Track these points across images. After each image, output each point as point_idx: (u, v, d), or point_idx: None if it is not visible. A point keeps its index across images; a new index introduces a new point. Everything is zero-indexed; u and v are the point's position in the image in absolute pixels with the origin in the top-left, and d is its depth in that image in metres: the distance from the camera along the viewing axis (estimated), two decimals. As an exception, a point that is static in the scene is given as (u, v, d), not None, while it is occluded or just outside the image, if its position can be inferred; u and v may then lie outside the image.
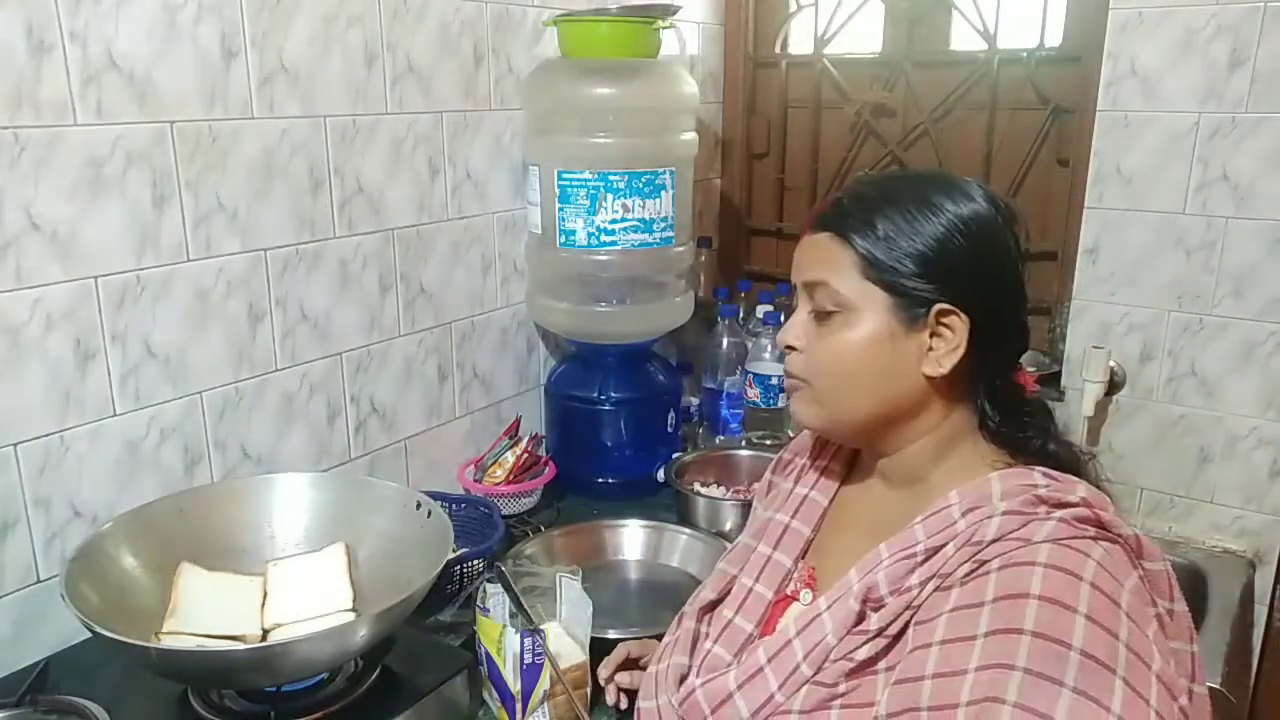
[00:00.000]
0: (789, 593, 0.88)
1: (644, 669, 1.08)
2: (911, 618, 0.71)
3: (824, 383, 0.81)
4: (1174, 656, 0.68)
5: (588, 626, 1.07)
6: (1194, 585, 1.61)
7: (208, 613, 1.01)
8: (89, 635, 0.87)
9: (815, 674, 0.75)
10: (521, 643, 1.02)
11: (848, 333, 0.79)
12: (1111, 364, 1.68)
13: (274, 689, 0.97)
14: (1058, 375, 1.77)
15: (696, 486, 1.57)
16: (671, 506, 1.57)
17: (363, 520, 1.13)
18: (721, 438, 1.79)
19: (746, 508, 1.45)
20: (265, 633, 1.02)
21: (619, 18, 1.56)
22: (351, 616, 1.02)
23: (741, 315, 1.93)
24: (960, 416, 0.82)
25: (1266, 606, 1.66)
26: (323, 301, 1.36)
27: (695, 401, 1.92)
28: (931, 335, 0.78)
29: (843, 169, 2.08)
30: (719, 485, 1.60)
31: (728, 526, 1.44)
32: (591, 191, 1.52)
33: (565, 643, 1.06)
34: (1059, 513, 0.70)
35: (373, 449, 1.48)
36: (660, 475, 1.62)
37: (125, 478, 1.16)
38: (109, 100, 1.08)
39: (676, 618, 0.97)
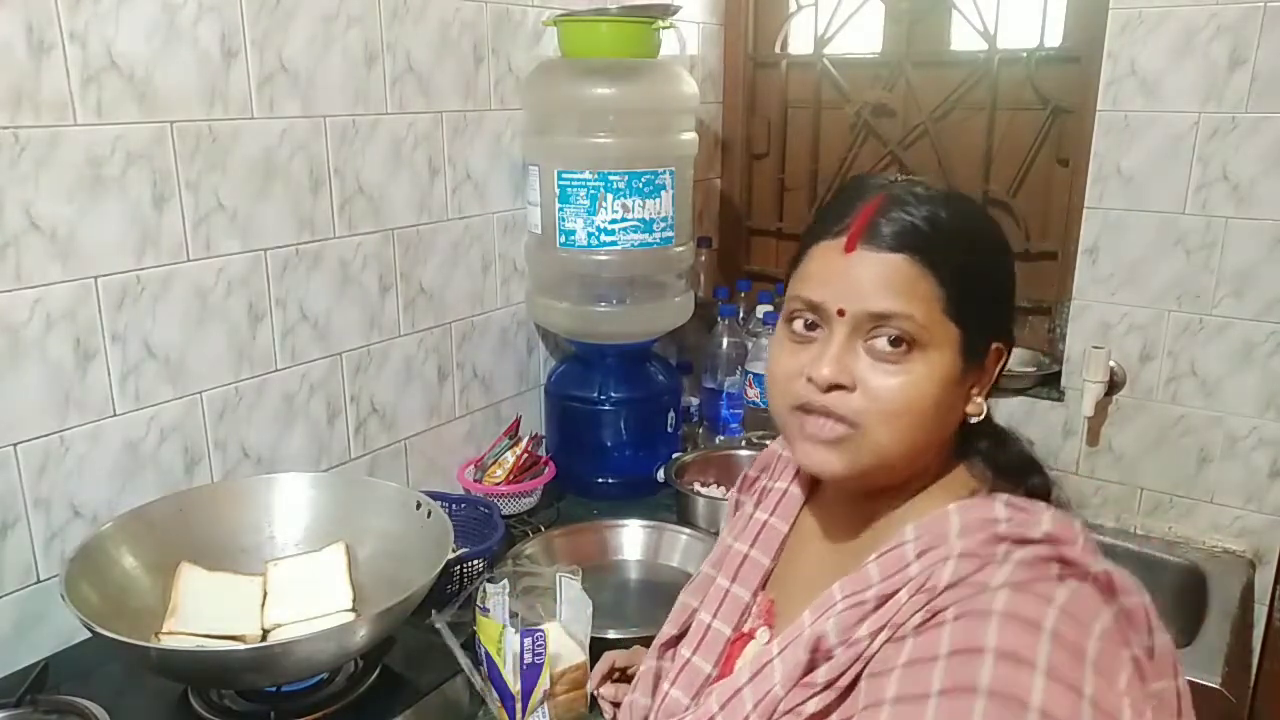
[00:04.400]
0: (746, 629, 0.82)
1: (631, 677, 1.07)
2: (863, 669, 0.66)
3: (885, 426, 0.70)
4: (1156, 699, 0.62)
5: (588, 626, 1.07)
6: (1194, 585, 1.61)
7: (208, 613, 1.01)
8: (89, 635, 0.87)
9: None
10: (521, 643, 1.02)
11: (922, 372, 0.69)
12: (1111, 364, 1.68)
13: (274, 689, 0.97)
14: (1058, 375, 1.77)
15: (696, 486, 1.57)
16: (671, 506, 1.57)
17: (363, 520, 1.14)
18: (721, 438, 1.79)
19: (746, 508, 1.45)
20: (265, 633, 1.02)
21: (619, 18, 1.56)
22: (351, 616, 1.02)
23: (741, 315, 1.93)
24: (949, 449, 0.76)
25: (1266, 606, 1.66)
26: (323, 301, 1.36)
27: (695, 401, 1.92)
28: (977, 372, 0.73)
29: (843, 169, 2.08)
30: (719, 485, 1.60)
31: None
32: (591, 191, 1.52)
33: (565, 643, 1.06)
34: (1019, 553, 0.64)
35: (373, 449, 1.48)
36: (660, 475, 1.62)
37: (125, 478, 1.16)
38: (109, 100, 1.08)
39: (653, 645, 0.92)
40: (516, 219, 1.67)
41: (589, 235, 1.54)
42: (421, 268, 1.51)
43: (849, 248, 0.70)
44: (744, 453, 1.64)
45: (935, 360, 0.70)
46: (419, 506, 1.10)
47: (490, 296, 1.65)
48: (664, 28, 1.59)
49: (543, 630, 1.03)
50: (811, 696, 0.67)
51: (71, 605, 0.88)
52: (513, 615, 1.06)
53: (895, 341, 0.69)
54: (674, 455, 1.65)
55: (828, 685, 0.67)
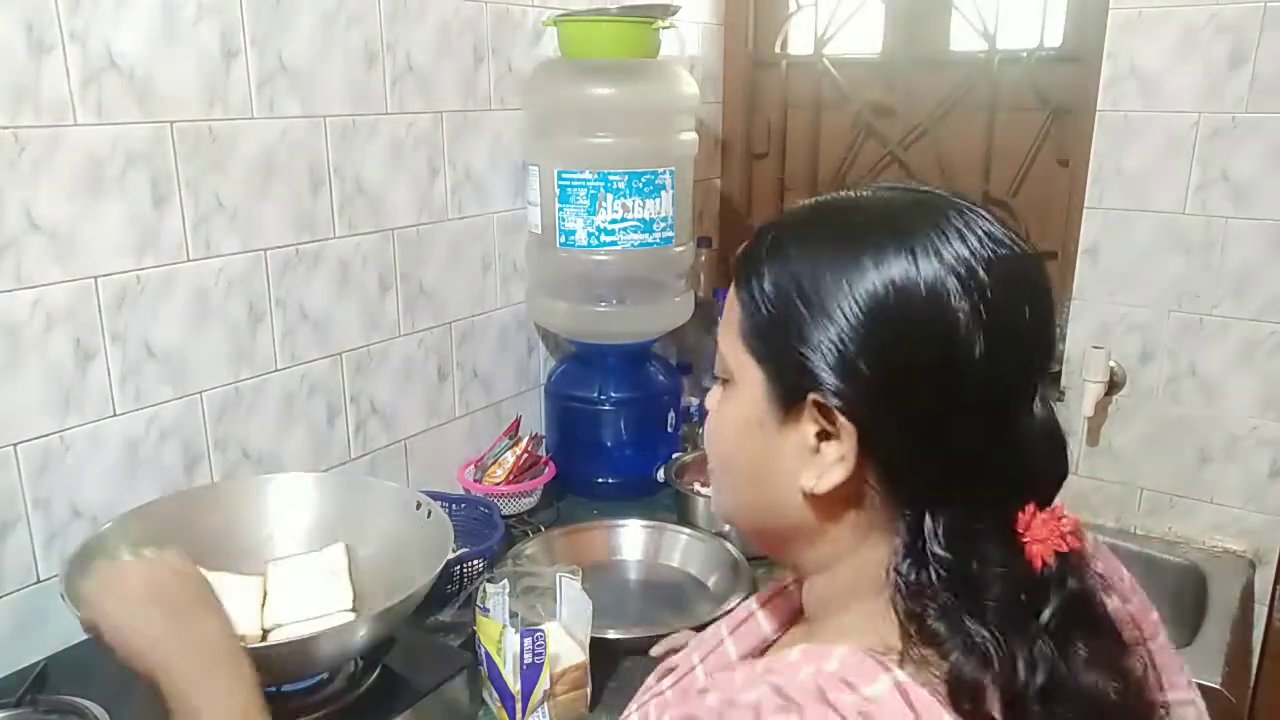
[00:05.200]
0: None
1: None
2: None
3: (711, 462, 0.66)
4: None
5: (588, 626, 1.07)
6: (1194, 585, 1.61)
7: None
8: (89, 635, 0.87)
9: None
10: (521, 643, 1.02)
11: (723, 407, 0.63)
12: (1111, 364, 1.68)
13: (274, 689, 0.97)
14: (1058, 375, 1.77)
15: (696, 486, 1.57)
16: (671, 506, 1.57)
17: (363, 520, 1.13)
18: (721, 438, 1.79)
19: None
20: (265, 633, 1.02)
21: (619, 18, 1.56)
22: (351, 616, 1.02)
23: (741, 315, 1.93)
24: (877, 555, 0.57)
25: (1266, 606, 1.66)
26: (323, 301, 1.36)
27: (695, 401, 1.92)
28: (819, 437, 0.57)
29: (843, 169, 2.08)
30: (719, 485, 1.59)
31: (727, 527, 1.44)
32: (591, 191, 1.52)
33: (565, 643, 1.06)
34: (745, 694, 0.51)
35: (373, 449, 1.48)
36: (660, 475, 1.62)
37: (125, 478, 1.16)
38: (109, 100, 1.08)
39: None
40: (516, 219, 1.67)
41: (589, 235, 1.54)
42: (421, 268, 1.51)
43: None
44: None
45: (736, 396, 0.61)
46: (419, 506, 1.10)
47: (490, 296, 1.65)
48: (664, 28, 1.59)
49: (543, 630, 1.03)
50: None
51: (71, 605, 0.88)
52: (513, 615, 1.06)
53: (718, 371, 0.64)
54: (674, 455, 1.66)
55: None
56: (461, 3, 1.49)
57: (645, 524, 1.46)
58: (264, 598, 1.05)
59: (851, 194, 0.62)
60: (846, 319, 0.54)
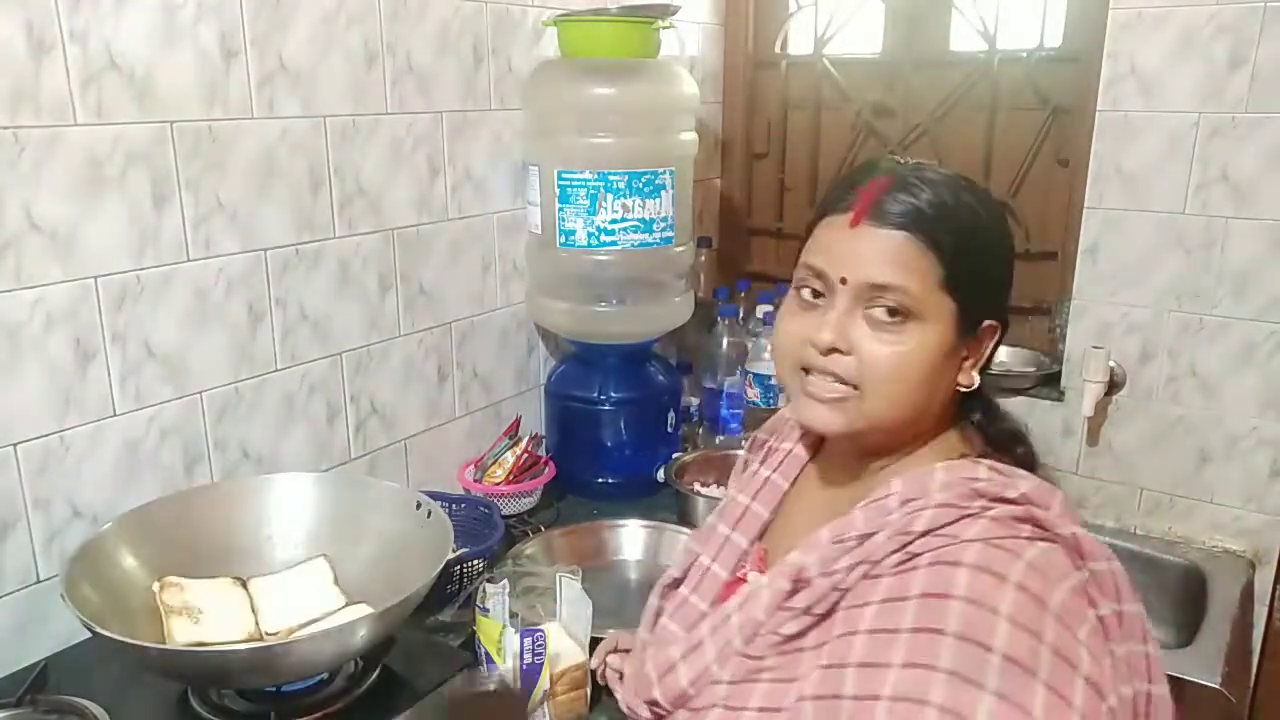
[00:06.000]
0: (741, 574, 0.89)
1: None
2: (840, 600, 0.72)
3: (879, 390, 0.75)
4: (1124, 659, 0.68)
5: (588, 626, 1.07)
6: (1194, 585, 1.61)
7: (209, 621, 1.01)
8: (89, 635, 0.87)
9: (744, 646, 0.76)
10: (521, 643, 1.02)
11: (916, 341, 0.74)
12: (1111, 364, 1.68)
13: (274, 689, 0.97)
14: (1058, 375, 1.77)
15: (696, 486, 1.57)
16: (671, 506, 1.57)
17: (363, 520, 1.13)
18: (721, 438, 1.79)
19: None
20: (265, 635, 1.02)
21: (619, 18, 1.56)
22: (353, 616, 1.02)
23: (741, 315, 1.93)
24: (945, 416, 0.81)
25: (1266, 606, 1.65)
26: (323, 301, 1.36)
27: (695, 401, 1.92)
28: (971, 345, 0.78)
29: (843, 169, 2.07)
30: (719, 485, 1.60)
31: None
32: (591, 191, 1.52)
33: (565, 643, 1.06)
34: (994, 510, 0.69)
35: (373, 449, 1.48)
36: (660, 475, 1.62)
37: (125, 478, 1.16)
38: (109, 100, 1.08)
39: (656, 586, 0.99)
40: (516, 219, 1.67)
41: (589, 235, 1.54)
42: (421, 268, 1.51)
43: (854, 222, 0.75)
44: (744, 453, 1.64)
45: (929, 332, 0.75)
46: (419, 506, 1.10)
47: (490, 296, 1.65)
48: (664, 28, 1.59)
49: (543, 630, 1.03)
50: (790, 619, 0.73)
51: (71, 605, 0.88)
52: (513, 615, 1.06)
53: (892, 312, 0.74)
54: (674, 455, 1.65)
55: (806, 610, 0.73)
56: (461, 3, 1.49)
57: (645, 524, 1.46)
58: (253, 606, 1.05)
59: (934, 164, 0.80)
60: (1005, 259, 0.79)
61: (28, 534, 1.09)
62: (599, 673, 1.08)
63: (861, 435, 0.79)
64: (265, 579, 1.09)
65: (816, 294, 0.78)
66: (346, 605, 1.05)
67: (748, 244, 2.27)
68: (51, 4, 1.02)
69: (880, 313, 0.74)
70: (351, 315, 1.41)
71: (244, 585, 1.07)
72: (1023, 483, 0.72)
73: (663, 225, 1.57)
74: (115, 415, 1.14)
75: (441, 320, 1.56)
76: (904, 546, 0.70)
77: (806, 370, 0.78)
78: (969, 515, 0.69)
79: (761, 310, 1.95)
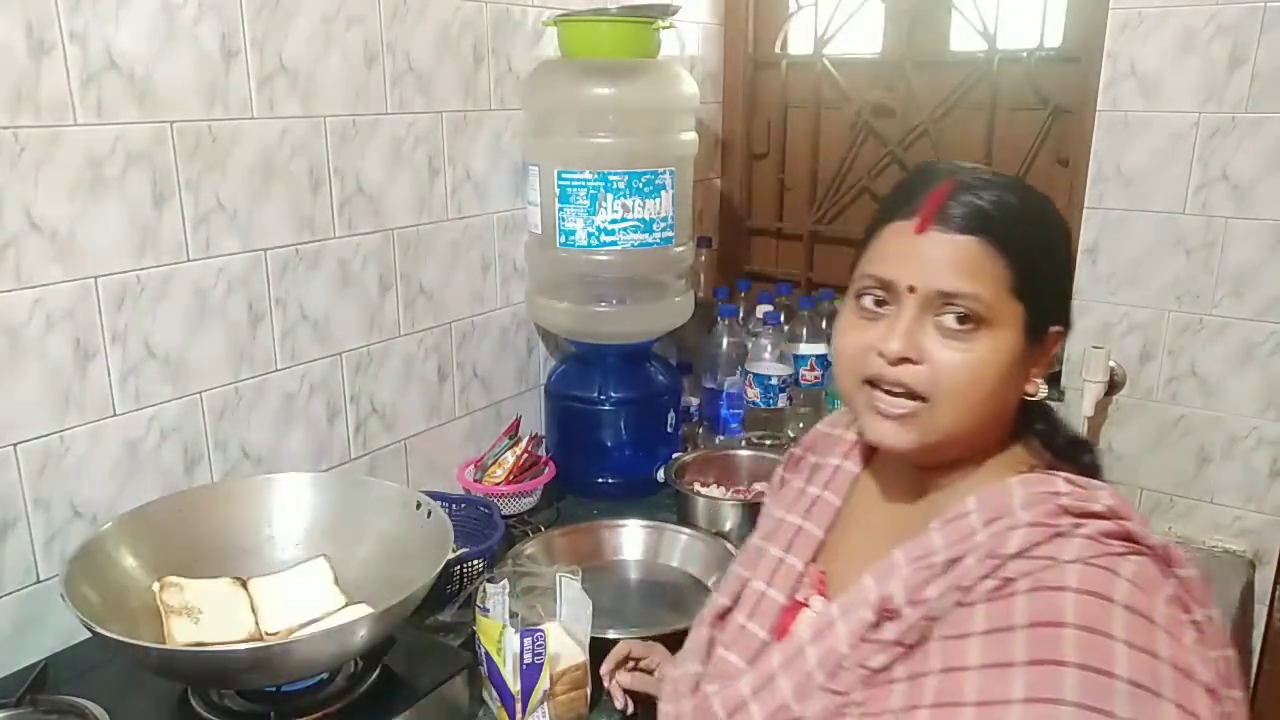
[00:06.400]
0: (800, 598, 0.85)
1: (647, 669, 1.08)
2: (930, 629, 0.69)
3: (951, 401, 0.73)
4: (1214, 664, 0.66)
5: (588, 626, 1.07)
6: (1194, 585, 1.60)
7: (209, 621, 1.01)
8: (89, 635, 0.87)
9: (828, 681, 0.73)
10: (521, 643, 1.02)
11: (988, 349, 0.73)
12: (1111, 364, 1.68)
13: (274, 689, 0.97)
14: (1058, 375, 1.77)
15: (696, 486, 1.57)
16: (671, 506, 1.57)
17: (363, 520, 1.13)
18: (721, 438, 1.79)
19: (746, 508, 1.45)
20: (265, 635, 1.02)
21: (619, 18, 1.56)
22: (353, 616, 1.02)
23: (741, 315, 1.93)
24: (1009, 427, 0.80)
25: (1266, 606, 1.65)
26: (323, 301, 1.36)
27: (695, 401, 1.92)
28: (1038, 352, 0.77)
29: (843, 169, 2.08)
30: (719, 485, 1.60)
31: (728, 526, 1.44)
32: (591, 191, 1.52)
33: (565, 643, 1.06)
34: (1085, 527, 0.68)
35: (373, 449, 1.48)
36: (660, 475, 1.62)
37: (125, 478, 1.16)
38: (109, 100, 1.08)
39: (696, 621, 0.94)
40: (516, 219, 1.67)
41: (589, 235, 1.54)
42: (421, 268, 1.51)
43: (921, 228, 0.74)
44: (744, 453, 1.64)
45: (1000, 339, 0.73)
46: (419, 506, 1.10)
47: (490, 296, 1.65)
48: (664, 28, 1.59)
49: (543, 630, 1.03)
50: (878, 652, 0.70)
51: (71, 605, 0.88)
52: (513, 615, 1.06)
53: (963, 319, 0.73)
54: (674, 455, 1.65)
55: (895, 642, 0.70)
56: (461, 3, 1.49)
57: (645, 524, 1.46)
58: (253, 606, 1.05)
59: (988, 168, 0.79)
60: (1068, 262, 0.80)
61: (28, 534, 1.09)
62: (605, 685, 1.07)
63: (931, 450, 0.77)
64: (265, 579, 1.09)
65: (880, 302, 0.76)
66: (346, 605, 1.05)
67: (748, 244, 2.27)
68: (51, 4, 1.02)
69: (950, 320, 0.73)
70: (351, 315, 1.41)
71: (244, 585, 1.07)
72: (1103, 494, 0.71)
73: (663, 225, 1.57)
74: (115, 415, 1.14)
75: (441, 320, 1.56)
76: (995, 570, 0.67)
77: (872, 385, 0.76)
78: (1060, 534, 0.68)
79: (761, 310, 1.95)
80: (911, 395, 0.74)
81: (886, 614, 0.71)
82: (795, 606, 0.85)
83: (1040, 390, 0.78)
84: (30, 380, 1.06)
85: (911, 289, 0.74)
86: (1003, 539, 0.68)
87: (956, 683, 0.66)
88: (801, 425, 1.81)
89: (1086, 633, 0.62)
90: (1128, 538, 0.68)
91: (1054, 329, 0.77)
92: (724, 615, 0.90)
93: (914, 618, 0.69)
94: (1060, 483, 0.72)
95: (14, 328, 1.04)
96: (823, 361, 1.83)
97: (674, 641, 1.16)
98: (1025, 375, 0.77)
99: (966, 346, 0.73)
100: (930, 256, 0.73)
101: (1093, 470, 0.78)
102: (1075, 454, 0.80)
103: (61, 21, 1.03)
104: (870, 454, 0.89)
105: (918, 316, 0.74)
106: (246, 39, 1.21)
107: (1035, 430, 0.81)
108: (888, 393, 0.75)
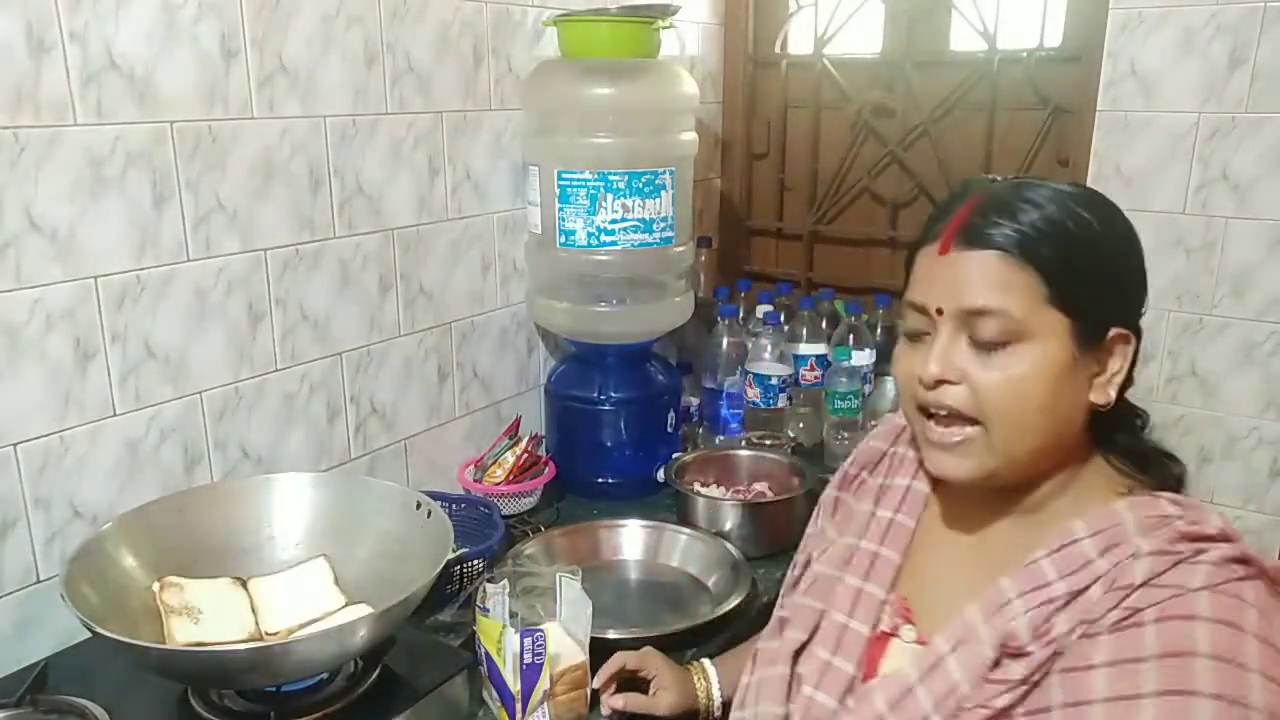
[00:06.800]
0: (886, 629, 0.82)
1: (643, 681, 1.07)
2: (1053, 663, 0.68)
3: (1003, 420, 0.72)
4: None
5: (588, 626, 1.07)
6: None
7: (209, 621, 1.01)
8: (89, 635, 0.87)
9: None
10: (521, 643, 1.02)
11: (1029, 362, 0.71)
12: (1111, 364, 1.68)
13: (274, 689, 0.97)
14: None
15: (696, 486, 1.57)
16: (671, 506, 1.57)
17: (363, 520, 1.13)
18: (721, 438, 1.79)
19: (746, 508, 1.45)
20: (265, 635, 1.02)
21: (619, 18, 1.56)
22: (353, 616, 1.02)
23: (741, 315, 1.93)
24: (1087, 439, 0.77)
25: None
26: (323, 301, 1.36)
27: (695, 401, 1.92)
28: (1099, 359, 0.74)
29: (843, 169, 2.08)
30: (719, 485, 1.60)
31: (727, 526, 1.44)
32: (591, 191, 1.52)
33: (565, 643, 1.06)
34: (1208, 553, 0.66)
35: (373, 449, 1.48)
36: (660, 475, 1.62)
37: (125, 478, 1.16)
38: (109, 100, 1.08)
39: (751, 656, 0.91)
40: (516, 219, 1.67)
41: (589, 235, 1.54)
42: (421, 268, 1.51)
43: (943, 249, 0.74)
44: (744, 453, 1.64)
45: (1041, 351, 0.71)
46: (419, 506, 1.10)
47: (490, 296, 1.65)
48: (664, 28, 1.59)
49: (543, 630, 1.03)
50: (1004, 692, 0.68)
51: (71, 605, 0.88)
52: (513, 615, 1.06)
53: (996, 335, 0.72)
54: (674, 455, 1.65)
55: (1023, 680, 0.68)
56: (461, 3, 1.49)
57: (645, 524, 1.46)
58: (253, 606, 1.05)
59: (1037, 177, 0.77)
60: (1129, 264, 0.76)
61: (28, 534, 1.09)
62: (603, 699, 1.06)
63: (994, 475, 0.75)
64: (265, 579, 1.09)
65: (920, 330, 0.76)
66: (346, 605, 1.05)
67: (748, 244, 2.27)
68: (51, 4, 1.02)
69: (983, 337, 0.72)
70: (351, 315, 1.41)
71: (244, 585, 1.07)
72: (1213, 517, 0.69)
73: (663, 225, 1.57)
74: (115, 415, 1.14)
75: (441, 320, 1.56)
76: (1122, 602, 0.66)
77: (927, 415, 0.76)
78: (1183, 561, 0.66)
79: (761, 310, 1.95)
80: (961, 419, 0.73)
81: (1011, 651, 0.69)
82: (882, 638, 0.81)
83: (1110, 398, 0.75)
84: (30, 380, 1.06)
85: (940, 311, 0.73)
86: (1127, 569, 0.67)
87: (1081, 717, 0.64)
88: (801, 425, 1.81)
89: (1220, 662, 0.62)
90: (1245, 561, 0.67)
91: (1115, 333, 0.74)
92: (800, 649, 0.85)
93: (1043, 656, 0.68)
94: (1166, 505, 0.71)
95: (14, 328, 1.04)
96: (822, 361, 1.83)
97: (673, 641, 1.17)
98: (1086, 385, 0.74)
99: (1004, 363, 0.72)
100: (954, 276, 0.73)
101: (1180, 482, 0.77)
102: (1161, 466, 0.78)
103: (61, 21, 1.03)
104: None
105: (951, 338, 0.73)
106: (246, 39, 1.21)
107: (1115, 441, 0.78)
108: (939, 421, 0.75)
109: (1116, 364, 0.75)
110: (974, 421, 0.73)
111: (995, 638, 0.69)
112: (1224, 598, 0.64)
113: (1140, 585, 0.66)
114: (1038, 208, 0.72)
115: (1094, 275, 0.73)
